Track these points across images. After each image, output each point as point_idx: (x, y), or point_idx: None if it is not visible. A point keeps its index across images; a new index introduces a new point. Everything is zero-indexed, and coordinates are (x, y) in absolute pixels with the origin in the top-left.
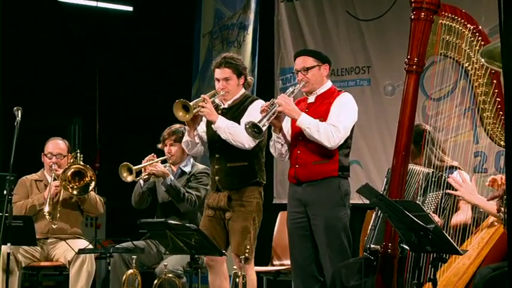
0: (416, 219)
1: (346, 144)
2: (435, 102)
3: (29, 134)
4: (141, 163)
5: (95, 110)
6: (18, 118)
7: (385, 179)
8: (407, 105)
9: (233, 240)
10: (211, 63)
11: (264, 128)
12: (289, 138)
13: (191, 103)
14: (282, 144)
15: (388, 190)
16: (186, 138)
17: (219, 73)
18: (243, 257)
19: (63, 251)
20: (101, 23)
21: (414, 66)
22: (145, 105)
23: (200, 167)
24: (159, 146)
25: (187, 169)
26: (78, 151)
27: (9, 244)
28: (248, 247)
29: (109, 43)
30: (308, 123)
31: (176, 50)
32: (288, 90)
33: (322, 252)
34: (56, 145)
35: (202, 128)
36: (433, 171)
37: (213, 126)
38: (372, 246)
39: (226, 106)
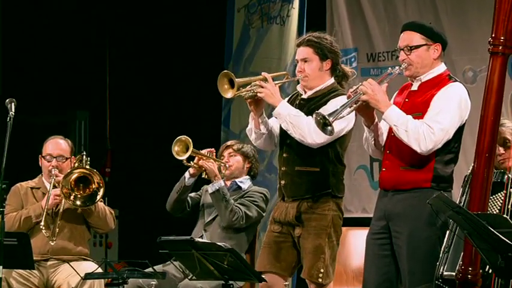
0: (504, 237)
1: (448, 149)
2: None
3: (24, 132)
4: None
5: (105, 101)
6: (12, 112)
7: (462, 188)
8: (492, 95)
9: (304, 263)
10: (247, 43)
11: (331, 120)
12: (385, 135)
13: (241, 80)
14: (375, 140)
15: (467, 201)
16: (250, 125)
17: (298, 53)
18: (316, 282)
19: (66, 275)
20: None
21: (500, 47)
22: (168, 96)
23: (258, 188)
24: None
25: (244, 186)
26: (84, 153)
27: (0, 267)
28: (322, 270)
29: (123, 19)
30: (396, 120)
31: (205, 28)
32: (382, 74)
33: (403, 279)
34: (57, 145)
35: (275, 119)
36: (494, 171)
37: (273, 112)
38: (446, 273)
39: (306, 96)
